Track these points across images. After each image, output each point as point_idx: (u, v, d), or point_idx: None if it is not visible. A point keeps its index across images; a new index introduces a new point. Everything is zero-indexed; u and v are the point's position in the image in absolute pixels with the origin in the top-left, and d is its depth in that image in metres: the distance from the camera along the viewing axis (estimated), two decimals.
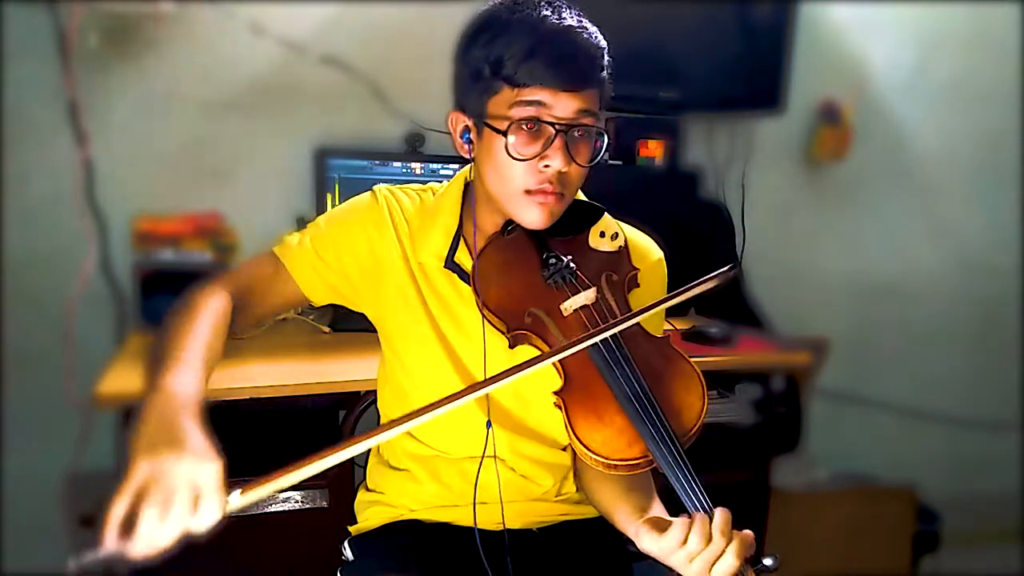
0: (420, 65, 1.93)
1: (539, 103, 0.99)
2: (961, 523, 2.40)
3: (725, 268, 1.01)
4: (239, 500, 0.78)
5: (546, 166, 1.01)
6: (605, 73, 1.04)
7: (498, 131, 1.01)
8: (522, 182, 1.03)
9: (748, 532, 0.94)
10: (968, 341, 2.73)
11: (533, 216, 1.05)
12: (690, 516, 0.94)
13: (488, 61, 1.00)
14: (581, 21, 1.02)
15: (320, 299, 1.17)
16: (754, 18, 2.16)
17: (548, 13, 1.01)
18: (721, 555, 0.91)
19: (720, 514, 0.92)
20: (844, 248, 2.57)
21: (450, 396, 0.91)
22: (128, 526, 0.74)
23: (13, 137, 1.82)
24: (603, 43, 1.03)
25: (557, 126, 1.00)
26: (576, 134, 1.02)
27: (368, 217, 1.15)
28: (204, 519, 0.76)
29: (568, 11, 1.02)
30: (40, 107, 1.83)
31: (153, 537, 0.74)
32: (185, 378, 0.90)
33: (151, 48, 1.88)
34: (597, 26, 1.05)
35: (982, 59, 2.55)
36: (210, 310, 1.06)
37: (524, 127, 1.00)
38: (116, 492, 0.74)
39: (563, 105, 1.00)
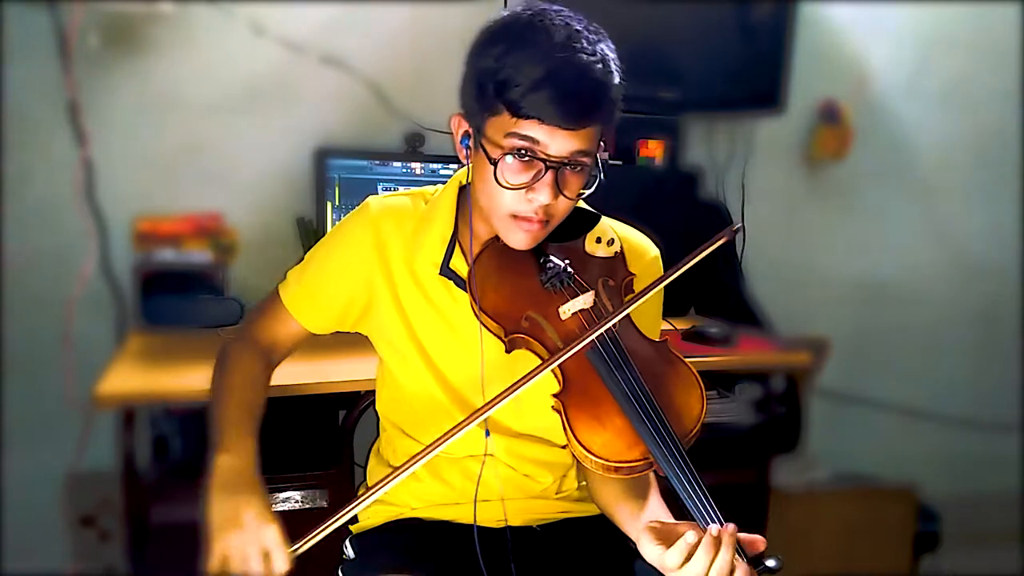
0: (420, 65, 1.94)
1: (534, 139, 0.97)
2: (961, 523, 2.40)
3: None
4: (301, 548, 0.95)
5: (531, 198, 1.01)
6: (614, 108, 1.01)
7: (490, 158, 1.00)
8: (509, 207, 1.02)
9: (758, 538, 0.94)
10: (968, 341, 2.73)
11: (516, 239, 1.05)
12: (694, 528, 0.92)
13: (494, 79, 0.97)
14: (598, 51, 0.98)
15: (323, 330, 1.21)
16: (754, 18, 2.16)
17: (566, 38, 0.97)
18: None
19: (726, 544, 0.90)
20: (844, 248, 2.56)
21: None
22: None
23: (13, 137, 1.82)
24: (616, 77, 1.00)
25: (549, 163, 0.99)
26: (568, 169, 1.01)
27: (357, 237, 1.15)
28: (277, 570, 0.92)
29: (588, 37, 0.98)
30: (40, 107, 1.83)
31: None
32: (237, 449, 1.01)
33: (151, 48, 1.88)
34: (598, 26, 1.02)
35: (982, 59, 2.55)
36: (249, 369, 1.14)
37: (516, 156, 0.99)
38: (207, 569, 0.92)
39: (559, 144, 0.98)
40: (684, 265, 1.04)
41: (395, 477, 0.96)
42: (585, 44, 0.97)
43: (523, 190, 1.00)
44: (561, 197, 1.02)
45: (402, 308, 1.14)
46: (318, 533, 0.95)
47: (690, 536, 0.90)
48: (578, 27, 0.98)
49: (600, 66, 0.97)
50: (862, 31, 2.44)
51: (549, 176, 0.99)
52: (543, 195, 1.00)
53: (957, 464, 2.66)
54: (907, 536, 2.29)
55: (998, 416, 2.71)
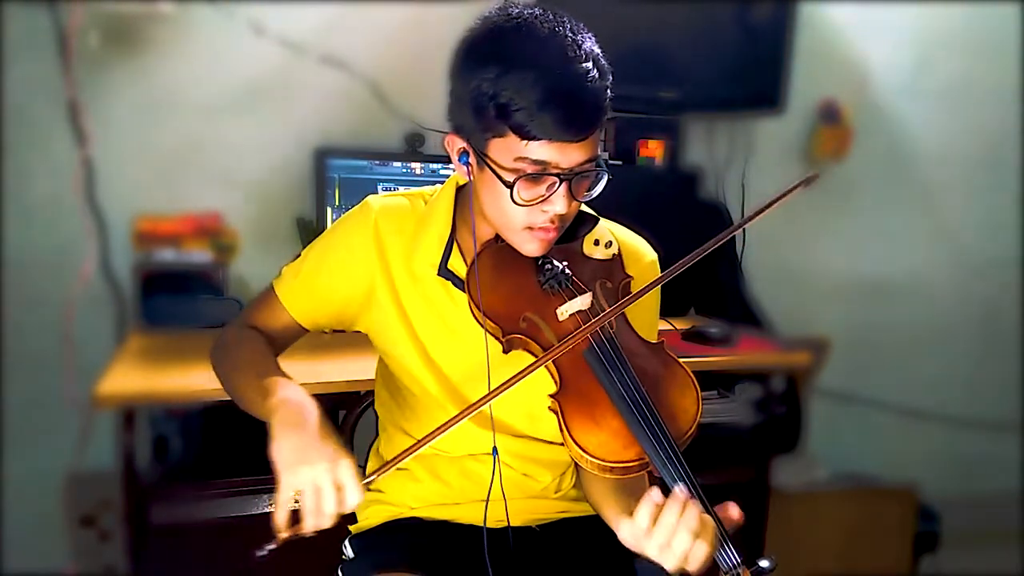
0: (420, 65, 1.93)
1: (545, 162, 0.98)
2: (961, 523, 2.40)
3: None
4: (373, 479, 0.98)
5: (547, 210, 1.01)
6: (609, 105, 1.01)
7: (504, 182, 1.00)
8: (524, 221, 1.03)
9: (730, 504, 0.96)
10: (968, 341, 2.73)
11: (532, 248, 1.06)
12: (657, 489, 0.92)
13: (495, 102, 0.96)
14: (585, 52, 0.98)
15: (316, 326, 1.20)
16: (754, 18, 2.16)
17: (556, 47, 0.96)
18: (690, 541, 0.89)
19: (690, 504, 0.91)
20: (844, 248, 2.57)
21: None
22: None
23: (13, 137, 1.82)
24: (608, 74, 1.00)
25: (562, 176, 0.99)
26: (579, 176, 1.01)
27: (357, 235, 1.15)
28: (350, 503, 0.92)
29: (575, 40, 0.98)
30: (40, 107, 1.83)
31: (315, 525, 0.91)
32: (293, 390, 1.00)
33: (151, 48, 1.89)
34: (598, 26, 1.03)
35: (982, 59, 2.55)
36: (257, 341, 1.14)
37: (528, 175, 0.99)
38: (276, 502, 0.91)
39: (569, 157, 0.98)
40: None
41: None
42: (576, 49, 0.97)
43: (538, 204, 1.01)
44: (573, 203, 1.03)
45: (403, 307, 1.14)
46: (392, 462, 0.97)
47: (656, 495, 0.91)
48: (562, 30, 0.98)
49: (594, 71, 0.97)
50: (862, 31, 2.44)
51: (563, 188, 1.00)
52: (559, 205, 1.01)
53: (957, 464, 2.66)
54: (907, 536, 2.29)
55: (998, 416, 2.71)
